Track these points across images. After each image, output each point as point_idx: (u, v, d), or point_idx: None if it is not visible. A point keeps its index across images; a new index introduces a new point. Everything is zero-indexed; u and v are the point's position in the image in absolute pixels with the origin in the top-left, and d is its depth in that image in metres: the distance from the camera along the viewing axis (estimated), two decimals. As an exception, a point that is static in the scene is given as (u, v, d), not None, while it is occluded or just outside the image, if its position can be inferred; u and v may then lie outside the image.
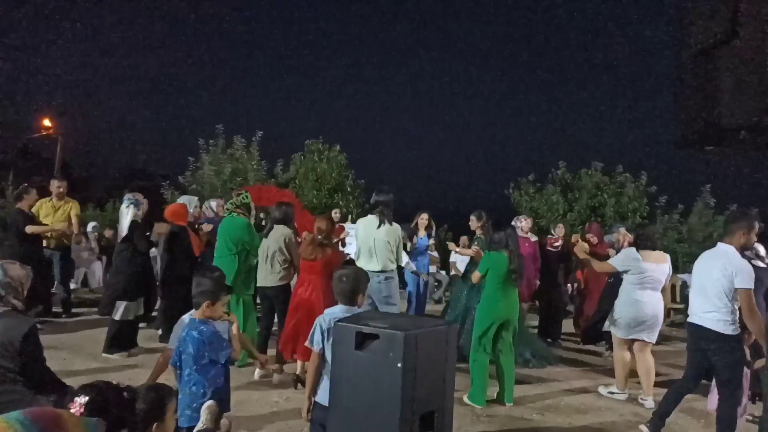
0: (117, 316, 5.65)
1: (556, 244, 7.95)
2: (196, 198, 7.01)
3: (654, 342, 5.26)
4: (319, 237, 5.08)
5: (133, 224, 5.77)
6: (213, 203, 7.25)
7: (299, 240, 5.57)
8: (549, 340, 7.58)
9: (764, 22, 1.60)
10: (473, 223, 6.68)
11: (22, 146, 34.38)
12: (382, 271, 4.99)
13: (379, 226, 5.04)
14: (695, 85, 1.82)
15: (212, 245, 5.93)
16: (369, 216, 5.22)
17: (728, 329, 3.91)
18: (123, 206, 5.93)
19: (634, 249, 5.32)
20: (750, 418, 4.63)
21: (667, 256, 5.34)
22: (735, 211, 4.32)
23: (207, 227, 6.49)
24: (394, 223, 5.12)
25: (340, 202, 15.80)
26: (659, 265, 5.17)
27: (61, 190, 7.19)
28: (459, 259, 10.50)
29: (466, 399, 4.87)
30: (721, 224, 16.18)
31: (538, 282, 7.68)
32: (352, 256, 6.54)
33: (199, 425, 2.54)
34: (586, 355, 7.20)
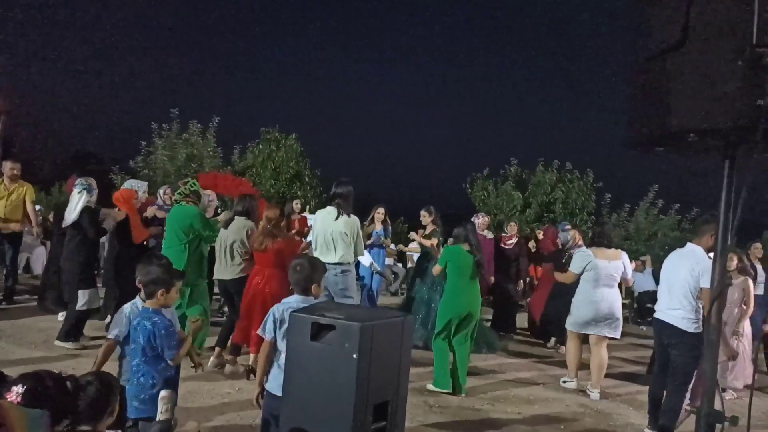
0: (82, 306, 5.44)
1: (510, 242, 8.18)
2: (145, 183, 6.78)
3: (618, 337, 5.44)
4: (268, 226, 5.03)
5: (85, 210, 5.55)
6: (161, 190, 6.98)
7: None
8: (502, 333, 7.77)
9: (714, 30, 1.66)
10: (425, 218, 6.96)
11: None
12: (339, 264, 4.97)
13: (337, 218, 5.01)
14: (647, 88, 1.88)
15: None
16: (327, 207, 5.18)
17: (691, 327, 4.07)
18: (75, 191, 5.68)
19: (584, 247, 5.55)
20: (689, 408, 4.85)
21: (623, 254, 5.53)
22: (705, 214, 4.55)
23: (159, 214, 6.20)
24: (352, 215, 5.11)
25: (298, 192, 15.63)
26: (611, 262, 5.36)
27: (15, 172, 6.79)
28: (416, 253, 10.58)
29: (431, 386, 4.99)
30: (665, 224, 16.96)
31: (492, 278, 7.89)
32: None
33: (159, 415, 2.47)
34: (537, 348, 7.40)
